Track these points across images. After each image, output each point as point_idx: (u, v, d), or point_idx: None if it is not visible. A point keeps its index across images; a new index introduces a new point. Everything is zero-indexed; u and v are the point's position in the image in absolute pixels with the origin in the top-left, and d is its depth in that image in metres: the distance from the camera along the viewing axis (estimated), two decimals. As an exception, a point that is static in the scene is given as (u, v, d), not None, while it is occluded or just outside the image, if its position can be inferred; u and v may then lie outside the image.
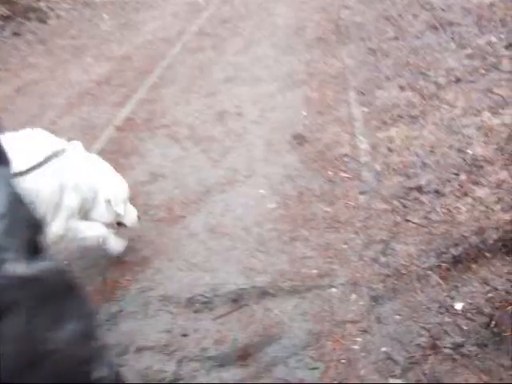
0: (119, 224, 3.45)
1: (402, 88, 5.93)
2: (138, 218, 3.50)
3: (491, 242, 3.58)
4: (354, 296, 3.32)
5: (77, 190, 3.02)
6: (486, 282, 3.34)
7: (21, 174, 2.59)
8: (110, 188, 3.19)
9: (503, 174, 4.23)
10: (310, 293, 3.37)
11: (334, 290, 3.38)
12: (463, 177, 4.28)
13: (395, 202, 4.09)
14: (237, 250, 3.76)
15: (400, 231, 3.79)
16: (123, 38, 8.73)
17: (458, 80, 5.82)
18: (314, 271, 3.52)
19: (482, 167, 4.37)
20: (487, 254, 3.53)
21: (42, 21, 9.52)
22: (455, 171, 4.35)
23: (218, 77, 6.74)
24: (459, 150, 4.63)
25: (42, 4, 9.90)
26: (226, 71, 6.87)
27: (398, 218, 3.92)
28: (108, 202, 3.18)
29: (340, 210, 4.06)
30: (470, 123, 5.01)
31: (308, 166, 4.64)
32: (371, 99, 5.74)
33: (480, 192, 4.09)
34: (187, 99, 6.16)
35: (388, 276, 3.43)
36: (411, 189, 4.20)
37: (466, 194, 4.09)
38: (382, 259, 3.57)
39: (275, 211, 4.11)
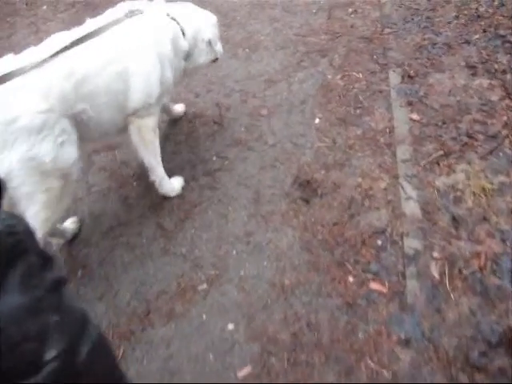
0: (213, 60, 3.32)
1: (471, 68, 3.76)
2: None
3: None
4: None
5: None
6: None
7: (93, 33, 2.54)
8: (207, 28, 3.11)
9: None
10: None
11: None
12: None
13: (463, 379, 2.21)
14: None
15: None
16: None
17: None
18: None
19: None
20: None
21: None
22: None
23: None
24: None
25: None
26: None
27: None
28: (209, 42, 3.13)
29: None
30: None
31: (316, 259, 2.76)
32: (423, 92, 3.64)
33: None
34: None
35: None
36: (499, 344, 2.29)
37: None
38: None
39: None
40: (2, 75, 2.23)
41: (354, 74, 3.92)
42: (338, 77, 3.91)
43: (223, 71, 4.17)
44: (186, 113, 3.74)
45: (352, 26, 4.44)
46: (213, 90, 4.00)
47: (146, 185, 3.32)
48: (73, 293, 1.21)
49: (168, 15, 2.93)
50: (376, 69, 3.94)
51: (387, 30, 4.30)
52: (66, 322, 0.82)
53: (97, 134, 2.76)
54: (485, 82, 3.66)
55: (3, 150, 2.26)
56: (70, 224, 3.08)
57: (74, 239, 3.11)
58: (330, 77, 3.91)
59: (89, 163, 3.57)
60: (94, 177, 3.50)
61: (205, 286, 2.74)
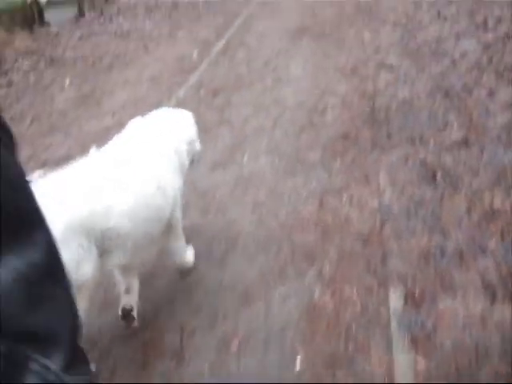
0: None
1: (488, 289, 3.10)
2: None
3: None
4: None
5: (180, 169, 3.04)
6: None
7: None
8: (190, 128, 3.18)
9: None
10: None
11: None
12: None
13: None
14: None
15: None
16: (78, 121, 6.14)
17: None
18: None
19: None
20: None
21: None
22: None
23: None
24: None
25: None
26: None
27: None
28: (190, 143, 3.13)
29: None
30: None
31: None
32: (431, 323, 2.96)
33: None
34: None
35: None
36: None
37: None
38: None
39: None
40: None
41: (347, 290, 3.23)
42: (328, 295, 3.23)
43: (192, 277, 3.51)
44: (138, 337, 3.02)
45: (346, 219, 3.82)
46: (176, 305, 3.32)
47: None
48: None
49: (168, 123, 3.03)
50: (373, 284, 3.26)
51: (387, 227, 3.66)
52: None
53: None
54: (507, 310, 2.96)
55: None
56: None
57: None
58: (317, 294, 3.23)
59: None
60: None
61: None
